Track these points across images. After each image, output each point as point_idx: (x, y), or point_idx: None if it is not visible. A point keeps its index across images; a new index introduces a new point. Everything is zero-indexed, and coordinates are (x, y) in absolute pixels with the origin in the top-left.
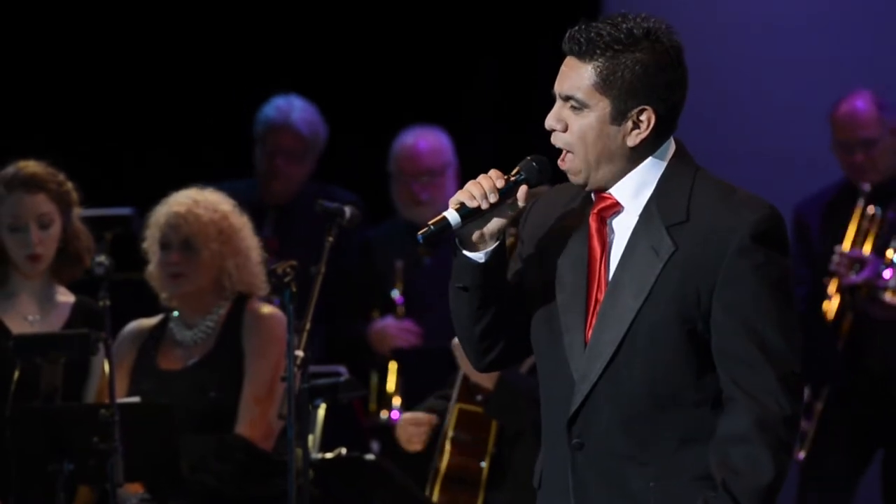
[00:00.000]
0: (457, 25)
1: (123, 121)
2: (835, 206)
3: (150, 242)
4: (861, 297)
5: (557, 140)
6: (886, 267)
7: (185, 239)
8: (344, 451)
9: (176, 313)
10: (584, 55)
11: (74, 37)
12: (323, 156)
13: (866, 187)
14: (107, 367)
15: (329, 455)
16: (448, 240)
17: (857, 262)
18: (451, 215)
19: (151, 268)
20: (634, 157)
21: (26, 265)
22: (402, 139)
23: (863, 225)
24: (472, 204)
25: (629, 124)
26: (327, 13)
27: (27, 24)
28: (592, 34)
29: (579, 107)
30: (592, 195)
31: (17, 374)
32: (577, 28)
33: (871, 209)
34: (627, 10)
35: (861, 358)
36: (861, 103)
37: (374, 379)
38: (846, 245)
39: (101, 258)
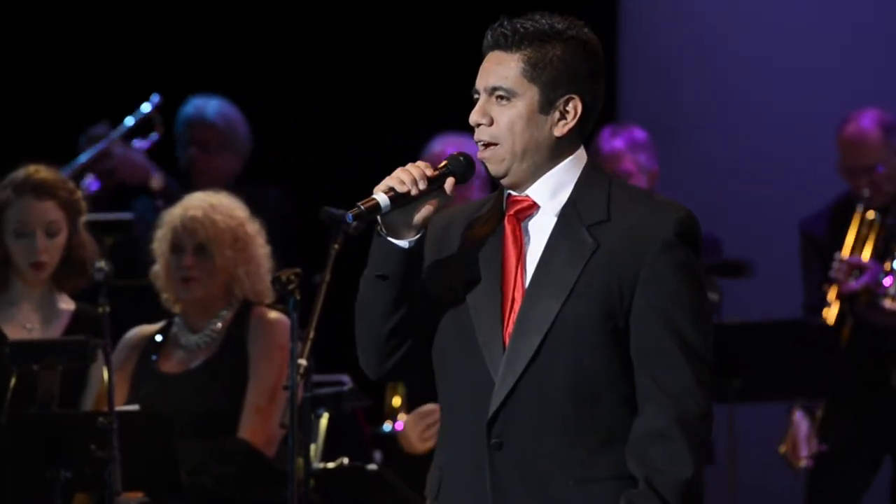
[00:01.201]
0: (456, 26)
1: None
2: (840, 215)
3: (161, 244)
4: (861, 303)
5: (483, 134)
6: (886, 275)
7: (200, 244)
8: (346, 460)
9: (178, 318)
10: (510, 47)
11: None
12: (325, 158)
13: (866, 193)
14: (105, 375)
15: (331, 465)
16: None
17: (856, 268)
18: (381, 198)
19: (157, 268)
20: (557, 151)
21: (29, 272)
22: (431, 150)
23: (862, 231)
24: (402, 189)
25: (556, 114)
26: (327, 16)
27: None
28: (518, 27)
29: (507, 96)
30: (504, 202)
31: (13, 380)
32: (497, 24)
33: (870, 214)
34: (647, 17)
35: (862, 365)
36: (867, 126)
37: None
38: (845, 251)
39: (101, 264)
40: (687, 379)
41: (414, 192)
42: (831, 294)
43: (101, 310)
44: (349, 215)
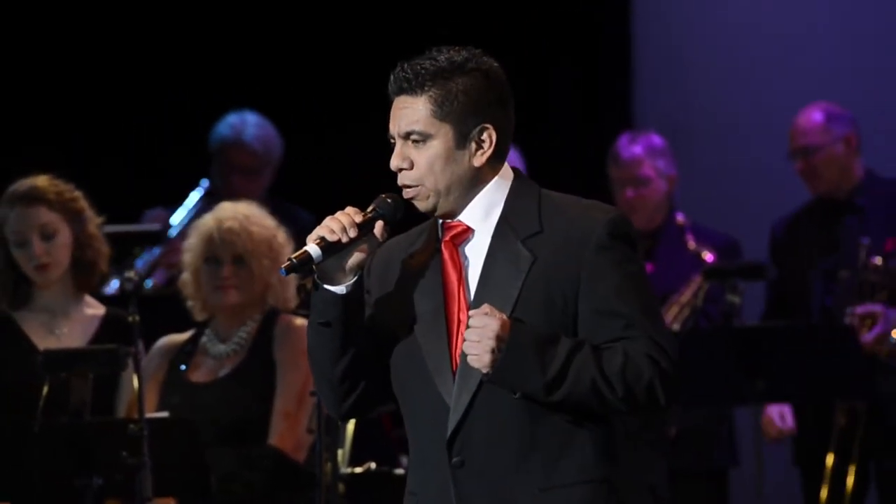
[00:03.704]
0: (457, 28)
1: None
2: (803, 218)
3: (193, 254)
4: (883, 356)
5: (405, 178)
6: None
7: (238, 255)
8: (373, 465)
9: (207, 328)
10: (414, 90)
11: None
12: (332, 160)
13: (866, 240)
14: (136, 382)
15: (359, 469)
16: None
17: (868, 317)
18: (313, 249)
19: (186, 277)
20: (480, 178)
21: (36, 276)
22: None
23: (868, 277)
24: (332, 238)
25: (473, 145)
26: (330, 19)
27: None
28: (417, 69)
29: (422, 139)
30: (438, 230)
31: (45, 389)
32: (398, 69)
33: (877, 260)
34: (661, 21)
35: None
36: (811, 111)
37: None
38: (857, 303)
39: (131, 273)
40: (645, 339)
41: (344, 239)
42: None
43: (131, 318)
44: (282, 269)
